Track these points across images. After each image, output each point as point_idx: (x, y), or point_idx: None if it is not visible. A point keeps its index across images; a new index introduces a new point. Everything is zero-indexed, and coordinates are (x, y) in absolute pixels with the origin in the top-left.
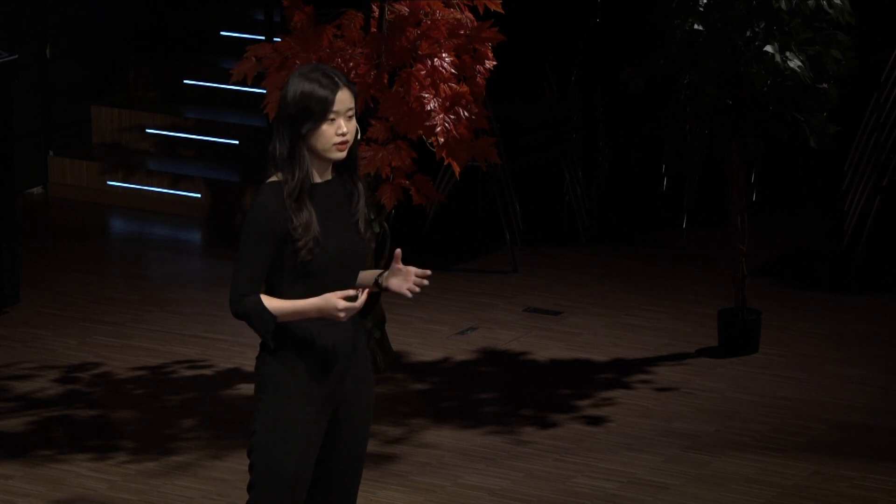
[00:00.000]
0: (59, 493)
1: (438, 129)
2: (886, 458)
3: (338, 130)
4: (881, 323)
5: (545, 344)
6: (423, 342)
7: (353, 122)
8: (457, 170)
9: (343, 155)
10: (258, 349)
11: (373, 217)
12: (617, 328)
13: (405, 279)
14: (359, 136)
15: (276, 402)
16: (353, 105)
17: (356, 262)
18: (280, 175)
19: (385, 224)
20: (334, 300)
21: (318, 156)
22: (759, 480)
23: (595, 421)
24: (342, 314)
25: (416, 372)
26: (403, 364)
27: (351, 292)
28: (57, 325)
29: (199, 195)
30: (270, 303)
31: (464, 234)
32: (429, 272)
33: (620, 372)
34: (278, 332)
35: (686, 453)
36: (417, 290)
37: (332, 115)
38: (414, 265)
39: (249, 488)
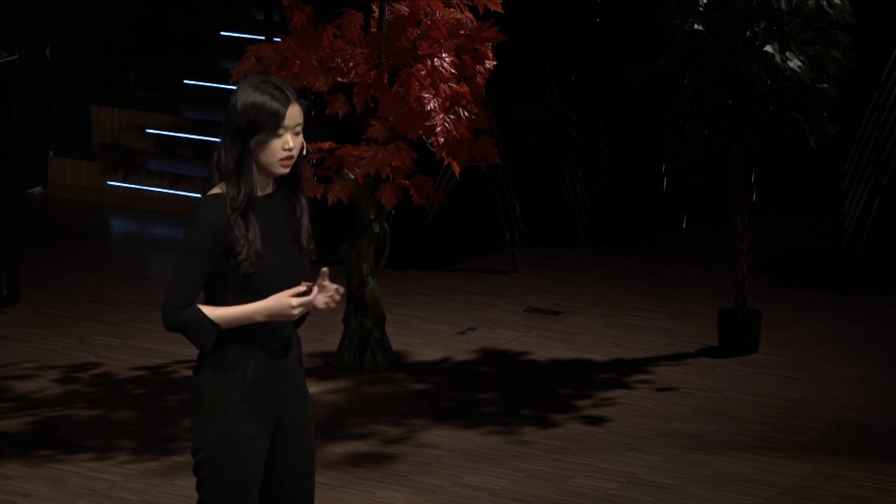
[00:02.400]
0: (59, 493)
1: (438, 129)
2: (886, 458)
3: (284, 146)
4: (881, 323)
5: (545, 344)
6: (423, 342)
7: (300, 138)
8: (457, 170)
9: (286, 171)
10: (195, 365)
11: (373, 217)
12: (617, 328)
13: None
14: (304, 152)
15: (219, 417)
16: (301, 121)
17: (297, 277)
18: (223, 186)
19: (385, 224)
20: (286, 299)
21: (263, 170)
22: (759, 480)
23: (595, 421)
24: (296, 311)
25: (416, 372)
26: (403, 364)
27: (301, 288)
28: (57, 325)
29: (199, 195)
30: (212, 312)
31: (464, 234)
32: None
33: (620, 372)
34: (217, 343)
35: (686, 453)
36: (333, 305)
37: (281, 130)
38: (414, 265)
39: None
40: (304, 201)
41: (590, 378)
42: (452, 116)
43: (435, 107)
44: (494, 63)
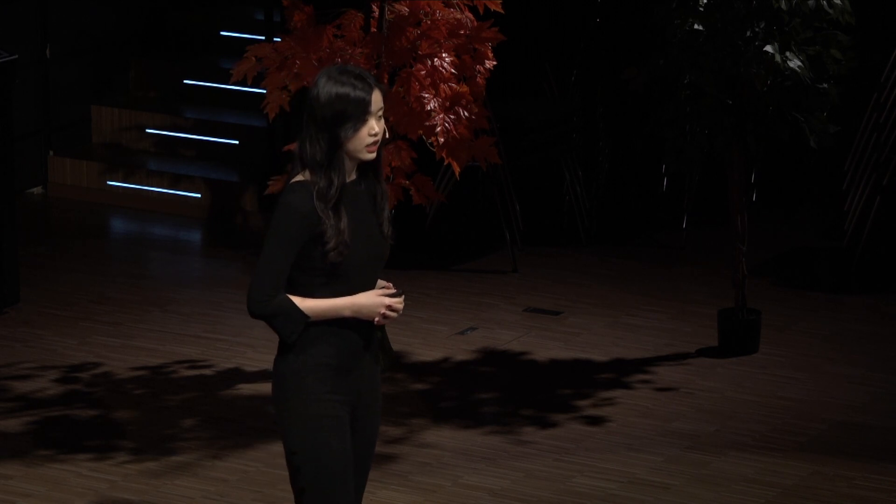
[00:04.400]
0: (59, 493)
1: (438, 129)
2: (886, 458)
3: (370, 131)
4: (881, 323)
5: (545, 344)
6: (423, 342)
7: (382, 122)
8: (457, 170)
9: (373, 156)
10: (277, 351)
11: None
12: (617, 328)
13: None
14: (387, 136)
15: (305, 400)
16: (382, 105)
17: (380, 263)
18: (308, 175)
19: None
20: (377, 299)
21: (349, 157)
22: (759, 480)
23: (595, 421)
24: (391, 313)
25: (416, 372)
26: (403, 364)
27: (391, 290)
28: (57, 325)
29: (199, 195)
30: (302, 303)
31: (464, 234)
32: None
33: (620, 372)
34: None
35: (686, 453)
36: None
37: (367, 116)
38: (414, 265)
39: (300, 494)
40: (383, 187)
41: (590, 378)
42: (452, 116)
43: (435, 107)
44: (494, 63)
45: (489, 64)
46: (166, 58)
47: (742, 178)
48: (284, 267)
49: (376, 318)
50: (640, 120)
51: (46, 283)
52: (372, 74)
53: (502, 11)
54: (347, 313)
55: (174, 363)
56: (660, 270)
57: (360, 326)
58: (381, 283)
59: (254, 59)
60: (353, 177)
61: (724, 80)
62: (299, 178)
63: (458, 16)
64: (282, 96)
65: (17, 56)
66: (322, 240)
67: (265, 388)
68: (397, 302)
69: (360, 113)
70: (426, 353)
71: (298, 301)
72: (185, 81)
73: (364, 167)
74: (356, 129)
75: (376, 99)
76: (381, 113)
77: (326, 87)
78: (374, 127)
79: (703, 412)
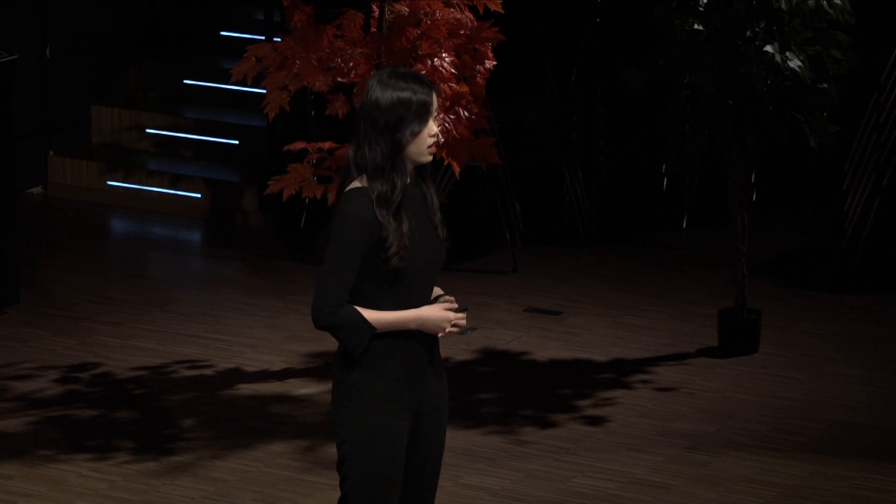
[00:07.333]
0: (59, 493)
1: (438, 128)
2: (886, 458)
3: (430, 133)
4: (881, 323)
5: (545, 344)
6: None
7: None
8: (457, 170)
9: (431, 157)
10: (339, 359)
11: None
12: (617, 328)
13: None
14: (440, 139)
15: (365, 410)
16: (438, 106)
17: (438, 267)
18: (365, 181)
19: None
20: (442, 313)
21: (410, 160)
22: (759, 480)
23: (595, 421)
24: (450, 327)
25: None
26: None
27: (455, 305)
28: (57, 325)
29: (198, 195)
30: (368, 314)
31: (464, 234)
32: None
33: (620, 372)
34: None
35: (686, 453)
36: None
37: (429, 118)
38: None
39: (345, 500)
40: (433, 190)
41: (590, 378)
42: (452, 116)
43: None
44: (494, 63)
45: (489, 64)
46: (166, 58)
47: (742, 178)
48: (349, 276)
49: (440, 333)
50: (640, 120)
51: (46, 283)
52: (424, 76)
53: (502, 11)
54: (413, 326)
55: (174, 363)
56: (660, 270)
57: (425, 339)
58: (437, 291)
59: (254, 59)
60: (408, 181)
61: (724, 80)
62: (356, 184)
63: (458, 16)
64: (282, 96)
65: (17, 56)
66: (384, 246)
67: (265, 387)
68: (461, 317)
69: (423, 116)
70: None
71: (365, 313)
72: (185, 81)
73: (416, 170)
74: (418, 132)
75: (435, 100)
76: (436, 114)
77: (386, 92)
78: (434, 128)
79: (703, 412)
